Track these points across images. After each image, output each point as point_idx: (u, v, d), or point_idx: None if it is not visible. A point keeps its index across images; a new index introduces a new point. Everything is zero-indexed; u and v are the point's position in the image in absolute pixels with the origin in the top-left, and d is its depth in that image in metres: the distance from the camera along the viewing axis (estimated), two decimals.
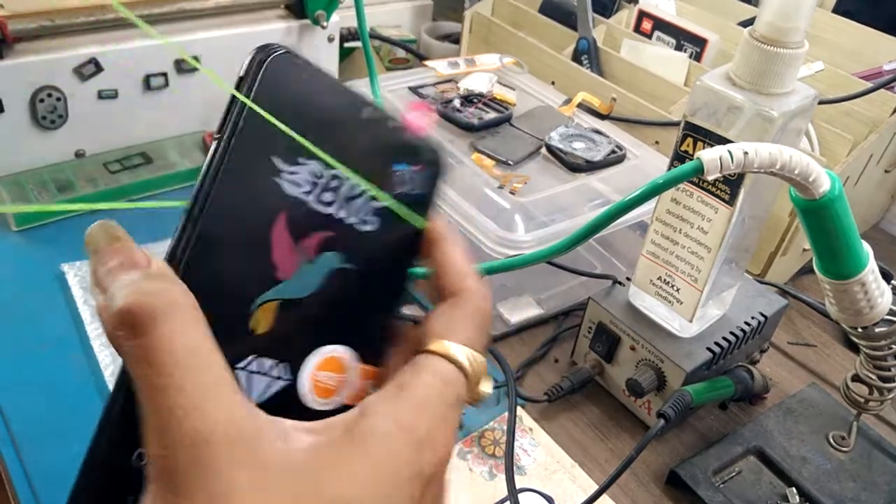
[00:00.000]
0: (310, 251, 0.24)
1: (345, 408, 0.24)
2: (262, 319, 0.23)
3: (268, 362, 0.23)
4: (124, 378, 0.21)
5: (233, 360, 0.22)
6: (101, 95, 0.72)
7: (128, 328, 0.19)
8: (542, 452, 0.56)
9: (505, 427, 0.57)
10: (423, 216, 0.26)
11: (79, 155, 0.74)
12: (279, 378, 0.23)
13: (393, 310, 0.26)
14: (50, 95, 0.69)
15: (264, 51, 0.23)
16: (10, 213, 0.67)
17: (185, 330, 0.20)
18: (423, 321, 0.26)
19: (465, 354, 0.24)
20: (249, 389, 0.23)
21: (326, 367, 0.24)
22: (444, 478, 0.23)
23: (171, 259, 0.22)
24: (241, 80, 0.23)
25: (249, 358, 0.23)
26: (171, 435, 0.19)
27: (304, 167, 0.23)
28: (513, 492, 0.51)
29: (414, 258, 0.27)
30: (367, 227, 0.25)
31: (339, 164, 0.24)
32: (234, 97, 0.23)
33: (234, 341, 0.22)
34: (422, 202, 0.26)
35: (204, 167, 0.22)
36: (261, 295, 0.23)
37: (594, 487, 0.53)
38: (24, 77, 0.67)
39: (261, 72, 0.23)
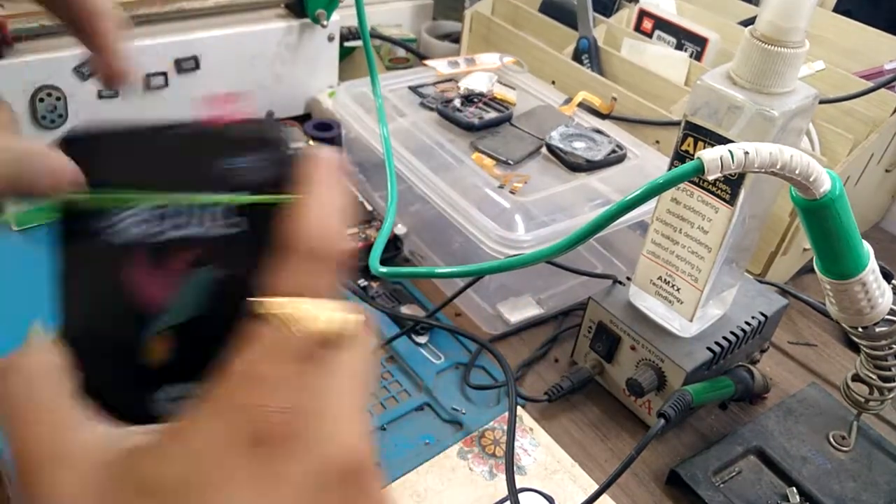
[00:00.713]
0: (178, 276, 0.24)
1: None
2: (156, 351, 0.24)
3: (179, 386, 0.24)
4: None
5: (150, 392, 0.24)
6: (100, 95, 0.72)
7: None
8: (542, 452, 0.56)
9: (505, 427, 0.57)
10: (286, 193, 0.25)
11: None
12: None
13: None
14: (50, 95, 0.69)
15: (64, 138, 0.24)
16: (11, 213, 0.67)
17: (24, 376, 0.22)
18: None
19: (282, 306, 0.21)
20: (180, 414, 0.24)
21: None
22: (289, 443, 0.20)
23: (56, 322, 0.24)
24: None
25: (161, 388, 0.24)
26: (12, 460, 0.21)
27: (139, 208, 0.24)
28: (513, 491, 0.51)
29: None
30: (237, 229, 0.24)
31: (159, 197, 0.24)
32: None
33: (139, 379, 0.24)
34: (285, 177, 0.25)
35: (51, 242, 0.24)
36: (144, 332, 0.24)
37: (594, 487, 0.53)
38: (23, 76, 0.67)
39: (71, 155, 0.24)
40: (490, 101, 0.77)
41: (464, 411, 0.58)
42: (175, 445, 0.20)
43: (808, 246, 0.69)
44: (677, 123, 0.64)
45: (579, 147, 0.70)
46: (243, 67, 0.80)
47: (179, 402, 0.24)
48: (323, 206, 0.23)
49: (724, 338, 0.57)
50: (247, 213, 0.24)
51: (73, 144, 0.24)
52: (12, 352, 0.23)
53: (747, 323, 0.58)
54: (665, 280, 0.55)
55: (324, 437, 0.20)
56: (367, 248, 0.63)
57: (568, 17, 0.94)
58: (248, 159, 0.25)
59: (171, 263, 0.24)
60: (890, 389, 0.51)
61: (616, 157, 0.71)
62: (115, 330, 0.24)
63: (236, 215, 0.24)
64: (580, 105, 0.79)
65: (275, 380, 0.20)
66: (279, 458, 0.20)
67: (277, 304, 0.21)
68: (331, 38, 0.86)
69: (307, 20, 0.82)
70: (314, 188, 0.23)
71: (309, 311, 0.21)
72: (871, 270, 0.42)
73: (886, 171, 0.81)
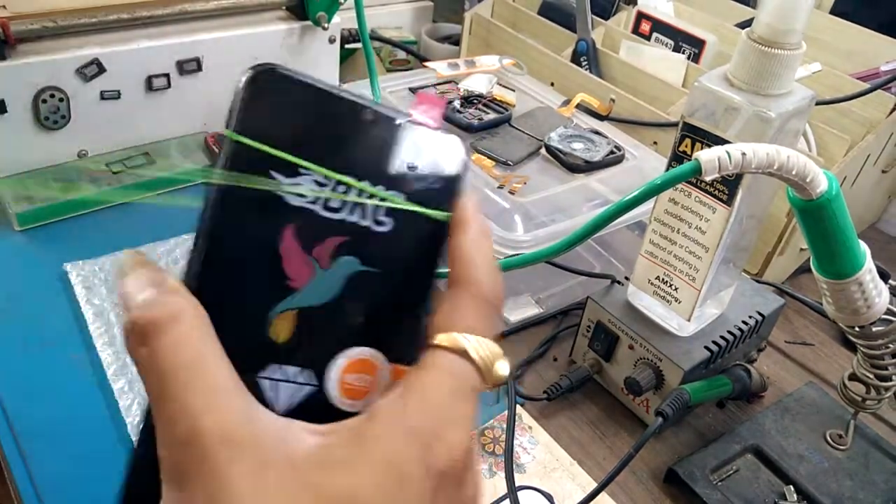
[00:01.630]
0: (324, 258, 0.24)
1: None
2: (282, 329, 0.23)
3: (291, 370, 0.24)
4: None
5: (254, 369, 0.23)
6: (103, 96, 0.72)
7: (136, 338, 0.21)
8: (541, 450, 0.57)
9: (504, 425, 0.57)
10: (444, 209, 0.26)
11: (81, 155, 0.74)
12: (306, 384, 0.24)
13: (421, 308, 0.26)
14: (52, 96, 0.69)
15: (254, 70, 0.24)
16: (12, 213, 0.68)
17: (188, 339, 0.21)
18: (434, 312, 0.25)
19: (470, 342, 0.23)
20: (276, 397, 0.23)
21: (354, 369, 0.25)
22: (464, 474, 0.23)
23: (185, 279, 0.23)
24: (234, 101, 0.23)
25: (272, 367, 0.23)
26: (170, 435, 0.20)
27: (306, 177, 0.23)
28: (512, 489, 0.52)
29: (440, 254, 0.26)
30: (383, 228, 0.24)
31: (336, 174, 0.24)
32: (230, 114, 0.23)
33: (254, 352, 0.23)
34: (442, 195, 0.25)
35: (206, 190, 0.23)
36: (277, 305, 0.23)
37: (593, 485, 0.53)
38: (26, 78, 0.68)
39: (253, 90, 0.23)
40: (490, 102, 0.77)
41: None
42: (365, 459, 0.21)
43: (804, 246, 0.70)
44: (675, 125, 0.64)
45: (578, 148, 0.71)
46: (245, 69, 0.81)
47: (279, 385, 0.23)
48: (488, 252, 0.26)
49: (722, 337, 0.57)
50: (395, 215, 0.24)
51: (259, 79, 0.23)
52: (142, 304, 0.21)
53: (745, 322, 0.59)
54: (663, 280, 0.56)
55: (476, 471, 0.24)
56: None
57: (567, 20, 0.95)
58: (423, 164, 0.25)
59: (320, 245, 0.24)
60: (887, 388, 0.51)
61: (614, 158, 0.71)
62: (251, 294, 0.23)
63: (386, 215, 0.24)
64: (579, 106, 0.80)
65: (463, 418, 0.23)
66: (460, 488, 0.23)
67: (466, 340, 0.23)
68: (332, 41, 0.86)
69: (308, 22, 0.83)
70: (479, 231, 0.26)
71: (493, 356, 0.24)
72: (868, 270, 0.43)
73: (883, 171, 0.82)
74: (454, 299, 0.25)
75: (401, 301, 0.25)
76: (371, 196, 0.24)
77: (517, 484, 0.52)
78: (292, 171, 0.23)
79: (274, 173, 0.23)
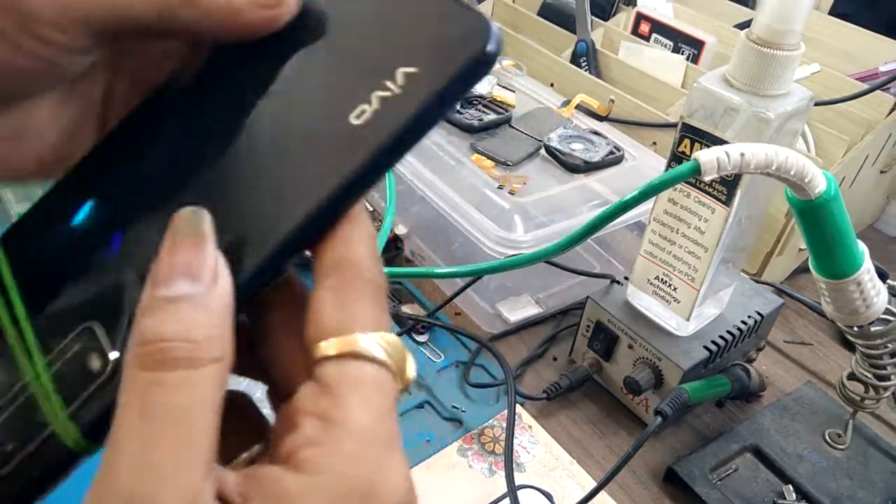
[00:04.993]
0: None
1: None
2: None
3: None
4: None
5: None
6: None
7: (143, 356, 0.18)
8: (541, 450, 0.57)
9: (504, 424, 0.57)
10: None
11: None
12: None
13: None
14: None
15: None
16: (13, 213, 0.68)
17: (198, 388, 0.18)
18: (309, 310, 0.20)
19: (378, 345, 0.19)
20: None
21: None
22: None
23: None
24: None
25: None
26: (119, 479, 0.17)
27: None
28: (512, 488, 0.52)
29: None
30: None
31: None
32: None
33: None
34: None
35: None
36: None
37: (592, 484, 0.53)
38: None
39: None
40: (489, 103, 0.77)
41: (464, 409, 0.59)
42: None
43: (803, 246, 0.70)
44: (674, 125, 0.65)
45: (577, 148, 0.71)
46: None
47: None
48: (366, 227, 0.21)
49: (721, 336, 0.57)
50: None
51: None
52: (183, 320, 0.18)
53: (743, 322, 0.59)
54: (662, 280, 0.56)
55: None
56: None
57: (566, 21, 0.95)
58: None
59: None
60: (885, 388, 0.51)
61: (614, 159, 0.71)
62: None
63: None
64: (578, 107, 0.80)
65: (397, 445, 0.19)
66: None
67: (375, 344, 0.19)
68: None
69: None
70: (353, 214, 0.21)
71: (403, 355, 0.20)
72: (866, 270, 0.43)
73: (881, 172, 0.82)
74: (341, 288, 0.20)
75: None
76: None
77: (517, 483, 0.53)
78: None
79: None
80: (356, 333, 0.19)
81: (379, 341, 0.19)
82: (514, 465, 0.54)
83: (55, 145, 0.23)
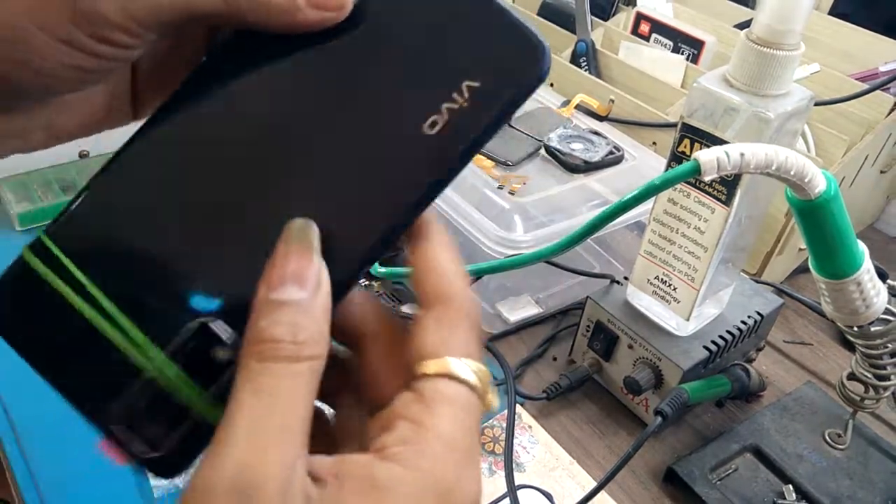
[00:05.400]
0: None
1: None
2: None
3: None
4: None
5: None
6: None
7: (258, 352, 0.20)
8: (540, 449, 0.57)
9: (504, 424, 0.57)
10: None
11: (82, 156, 0.74)
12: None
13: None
14: None
15: None
16: (14, 213, 0.68)
17: (299, 377, 0.20)
18: (413, 334, 0.23)
19: (471, 371, 0.22)
20: None
21: None
22: None
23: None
24: None
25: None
26: (222, 450, 0.19)
27: None
28: (512, 488, 0.52)
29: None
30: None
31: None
32: None
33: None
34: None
35: None
36: None
37: (592, 484, 0.53)
38: None
39: None
40: None
41: None
42: None
43: (803, 246, 0.70)
44: (674, 125, 0.65)
45: (577, 148, 0.71)
46: None
47: None
48: (458, 262, 0.24)
49: (721, 336, 0.57)
50: None
51: None
52: (293, 322, 0.20)
53: (743, 322, 0.59)
54: (662, 280, 0.56)
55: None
56: None
57: (566, 21, 0.95)
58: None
59: None
60: (885, 388, 0.51)
61: (613, 159, 0.71)
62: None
63: None
64: (578, 107, 0.80)
65: (477, 460, 0.21)
66: None
67: (467, 369, 0.22)
68: None
69: None
70: (443, 239, 0.24)
71: (488, 383, 0.22)
72: (866, 270, 0.43)
73: (881, 172, 0.82)
74: (441, 320, 0.23)
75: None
76: None
77: (517, 483, 0.53)
78: None
79: None
80: (448, 357, 0.22)
81: (471, 366, 0.22)
82: (513, 465, 0.54)
83: (94, 113, 0.25)
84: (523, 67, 0.21)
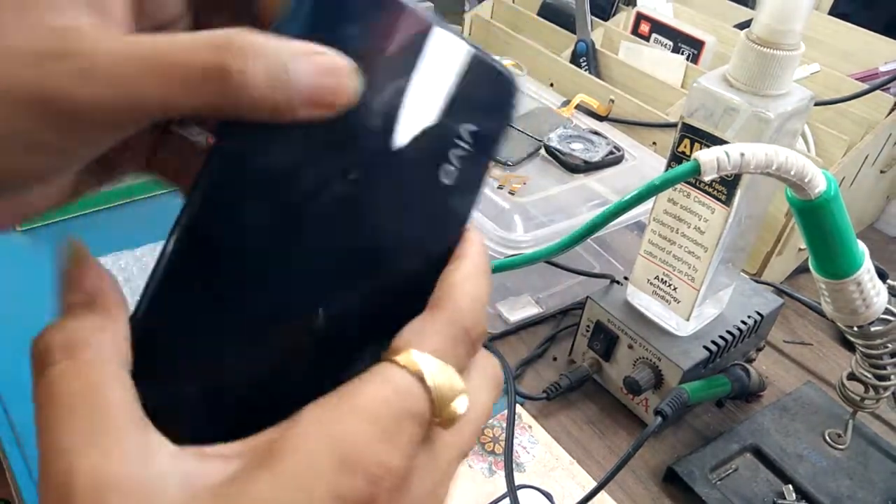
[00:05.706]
0: None
1: None
2: None
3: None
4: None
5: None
6: None
7: (34, 362, 0.20)
8: (540, 449, 0.57)
9: (504, 424, 0.57)
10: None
11: None
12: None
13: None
14: None
15: None
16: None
17: (83, 372, 0.19)
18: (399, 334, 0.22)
19: (429, 365, 0.20)
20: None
21: None
22: (394, 497, 0.19)
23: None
24: None
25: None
26: (44, 476, 0.18)
27: None
28: (512, 488, 0.52)
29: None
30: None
31: None
32: None
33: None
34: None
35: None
36: None
37: (592, 484, 0.53)
38: None
39: None
40: None
41: None
42: (266, 490, 0.18)
43: (803, 246, 0.70)
44: (674, 125, 0.65)
45: (577, 148, 0.71)
46: None
47: None
48: (481, 287, 0.22)
49: (721, 336, 0.57)
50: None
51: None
52: (65, 326, 0.20)
53: (743, 322, 0.59)
54: (662, 280, 0.56)
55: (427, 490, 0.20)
56: None
57: (566, 21, 0.95)
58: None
59: None
60: (885, 388, 0.51)
61: (614, 159, 0.71)
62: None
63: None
64: (578, 107, 0.80)
65: (397, 441, 0.19)
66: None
67: (425, 361, 0.20)
68: None
69: None
70: (475, 267, 0.23)
71: (451, 388, 0.20)
72: (866, 270, 0.43)
73: (881, 172, 0.82)
74: (426, 319, 0.21)
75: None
76: None
77: (517, 483, 0.53)
78: None
79: None
80: (413, 350, 0.20)
81: (432, 366, 0.20)
82: (513, 465, 0.54)
83: (62, 192, 0.23)
84: (505, 103, 0.23)
